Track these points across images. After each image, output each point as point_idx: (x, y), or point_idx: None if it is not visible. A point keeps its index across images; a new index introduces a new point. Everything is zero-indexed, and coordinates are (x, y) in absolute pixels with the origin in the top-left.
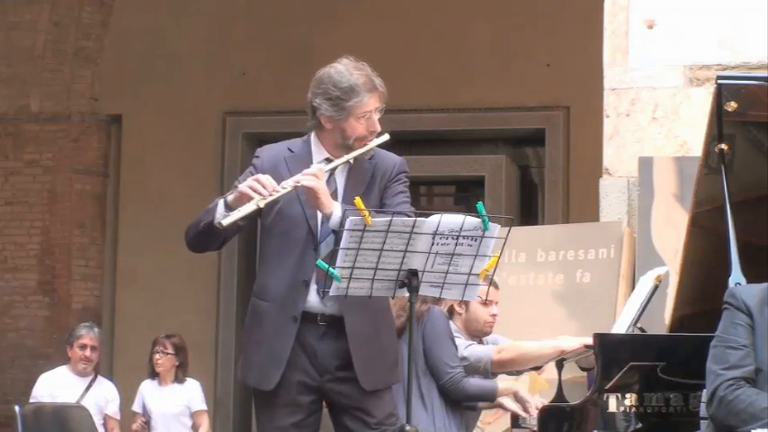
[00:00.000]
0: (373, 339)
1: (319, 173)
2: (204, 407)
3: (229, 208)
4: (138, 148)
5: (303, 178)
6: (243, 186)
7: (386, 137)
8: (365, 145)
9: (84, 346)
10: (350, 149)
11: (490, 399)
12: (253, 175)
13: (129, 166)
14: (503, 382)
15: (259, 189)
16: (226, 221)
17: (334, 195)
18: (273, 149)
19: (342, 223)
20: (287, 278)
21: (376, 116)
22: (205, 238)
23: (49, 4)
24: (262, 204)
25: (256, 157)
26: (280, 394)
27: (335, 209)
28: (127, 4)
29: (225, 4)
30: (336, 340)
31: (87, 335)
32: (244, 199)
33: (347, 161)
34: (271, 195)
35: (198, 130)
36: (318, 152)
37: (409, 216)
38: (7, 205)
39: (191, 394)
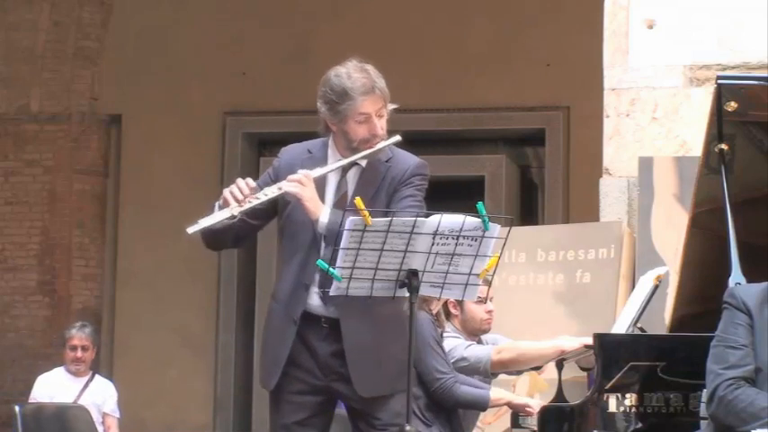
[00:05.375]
0: (372, 349)
1: (305, 179)
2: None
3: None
4: (138, 148)
5: (285, 184)
6: (226, 191)
7: (396, 138)
8: (371, 147)
9: (74, 347)
10: (357, 152)
11: (482, 408)
12: (270, 176)
13: (129, 166)
14: (495, 391)
15: (237, 195)
16: (191, 230)
17: (344, 197)
18: (294, 150)
19: (332, 228)
20: (291, 281)
21: (377, 119)
22: (208, 238)
23: (49, 4)
24: (236, 212)
25: (277, 157)
26: (285, 393)
27: (322, 215)
28: (127, 4)
29: (225, 4)
30: (338, 342)
31: (77, 335)
32: (226, 204)
33: (343, 165)
34: (248, 202)
35: (198, 130)
36: (333, 155)
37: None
38: (7, 205)
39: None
